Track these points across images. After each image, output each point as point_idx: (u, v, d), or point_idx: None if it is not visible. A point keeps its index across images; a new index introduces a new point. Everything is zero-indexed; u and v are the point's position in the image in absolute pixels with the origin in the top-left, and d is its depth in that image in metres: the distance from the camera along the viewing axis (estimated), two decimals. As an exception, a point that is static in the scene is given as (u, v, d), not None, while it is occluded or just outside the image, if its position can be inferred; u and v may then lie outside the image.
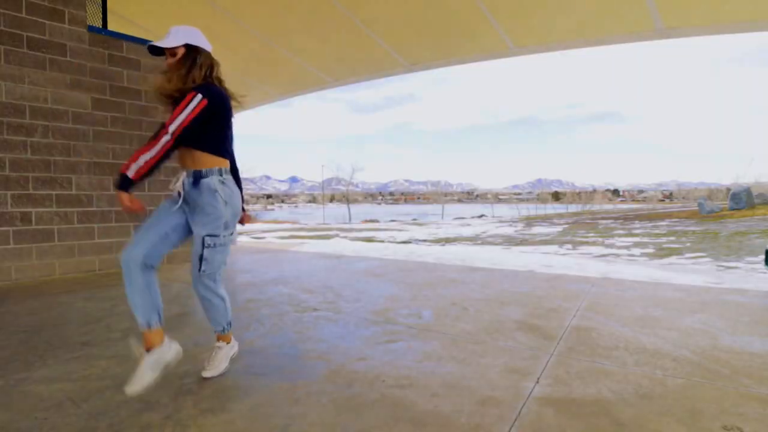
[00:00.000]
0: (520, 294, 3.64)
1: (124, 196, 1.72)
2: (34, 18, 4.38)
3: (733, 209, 24.32)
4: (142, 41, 5.21)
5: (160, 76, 1.89)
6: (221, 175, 1.91)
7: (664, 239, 15.72)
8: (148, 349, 1.77)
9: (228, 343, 2.11)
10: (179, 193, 1.90)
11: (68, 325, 2.84)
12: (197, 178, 1.87)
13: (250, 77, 8.66)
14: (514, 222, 28.58)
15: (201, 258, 1.87)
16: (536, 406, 1.71)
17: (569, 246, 15.16)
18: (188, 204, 1.90)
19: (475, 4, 5.38)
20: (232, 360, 2.21)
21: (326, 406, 1.73)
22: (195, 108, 1.77)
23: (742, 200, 24.55)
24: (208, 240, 1.86)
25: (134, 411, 1.68)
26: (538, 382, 1.94)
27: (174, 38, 1.86)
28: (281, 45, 7.15)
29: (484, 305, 3.28)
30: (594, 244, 15.40)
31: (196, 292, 1.99)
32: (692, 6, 4.78)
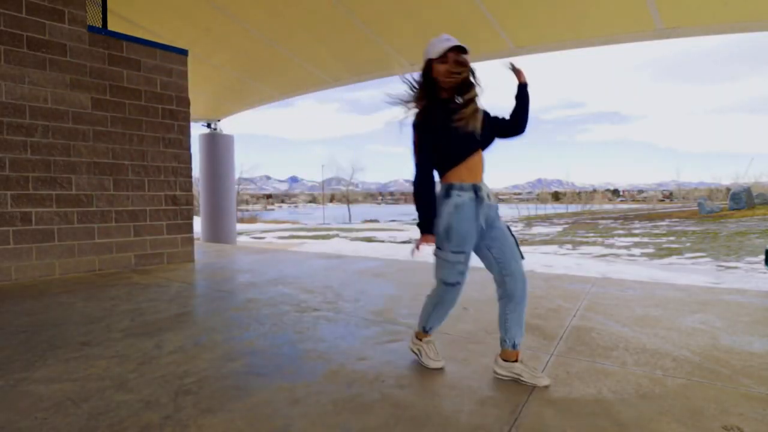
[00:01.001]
0: (520, 294, 3.63)
1: None
2: (34, 18, 4.38)
3: (733, 209, 24.34)
4: (142, 41, 5.21)
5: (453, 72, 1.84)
6: None
7: (664, 239, 15.73)
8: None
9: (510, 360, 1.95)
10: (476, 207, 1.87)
11: (68, 325, 2.84)
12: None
13: (250, 77, 8.66)
14: (514, 222, 28.57)
15: (517, 243, 1.92)
16: (536, 406, 1.71)
17: (569, 246, 15.18)
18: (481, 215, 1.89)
19: (475, 4, 5.38)
20: (234, 359, 2.21)
21: (326, 406, 1.73)
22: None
23: (742, 200, 24.59)
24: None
25: (134, 411, 1.68)
26: (538, 382, 1.94)
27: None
28: (281, 45, 7.15)
29: (484, 305, 3.27)
30: (594, 244, 15.42)
31: (523, 286, 1.89)
32: (692, 6, 4.78)
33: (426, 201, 1.83)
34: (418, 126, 1.86)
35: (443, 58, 1.82)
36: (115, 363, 2.18)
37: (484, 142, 1.93)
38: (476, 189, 1.85)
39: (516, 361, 1.92)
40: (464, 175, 1.85)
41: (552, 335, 2.57)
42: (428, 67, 1.87)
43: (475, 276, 4.48)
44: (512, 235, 1.92)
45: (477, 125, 1.86)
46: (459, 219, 1.82)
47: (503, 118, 1.99)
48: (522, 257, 1.91)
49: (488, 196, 1.88)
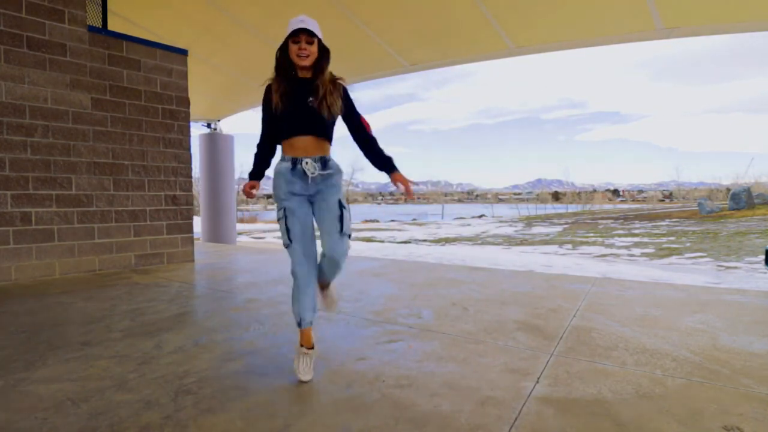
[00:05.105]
0: (520, 294, 3.64)
1: None
2: (34, 18, 4.38)
3: (733, 209, 24.34)
4: (142, 41, 5.21)
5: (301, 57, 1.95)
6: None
7: (664, 239, 15.73)
8: (305, 346, 2.05)
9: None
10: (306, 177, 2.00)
11: (68, 325, 2.84)
12: (325, 161, 2.02)
13: (250, 77, 8.66)
14: (514, 222, 28.57)
15: (341, 218, 1.98)
16: (536, 406, 1.71)
17: (569, 246, 15.18)
18: (312, 185, 2.01)
19: (475, 4, 5.38)
20: (234, 359, 2.21)
21: (326, 406, 1.73)
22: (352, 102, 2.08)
23: (742, 200, 24.60)
24: (342, 201, 2.02)
25: (134, 411, 1.68)
26: (538, 382, 1.94)
27: (315, 28, 1.97)
28: (281, 45, 7.15)
29: (484, 305, 3.28)
30: (594, 244, 15.42)
31: (333, 257, 2.02)
32: (692, 6, 4.78)
33: (256, 159, 2.13)
34: (263, 99, 2.06)
35: (296, 37, 1.94)
36: (115, 363, 2.18)
37: (325, 126, 1.99)
38: (294, 161, 1.99)
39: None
40: (287, 151, 2.02)
41: (552, 335, 2.57)
42: (284, 45, 1.99)
43: (474, 276, 4.50)
44: (341, 211, 1.99)
45: (325, 108, 1.95)
46: (277, 181, 2.04)
47: (356, 125, 2.09)
48: (341, 232, 1.98)
49: (313, 169, 1.97)
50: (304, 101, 1.96)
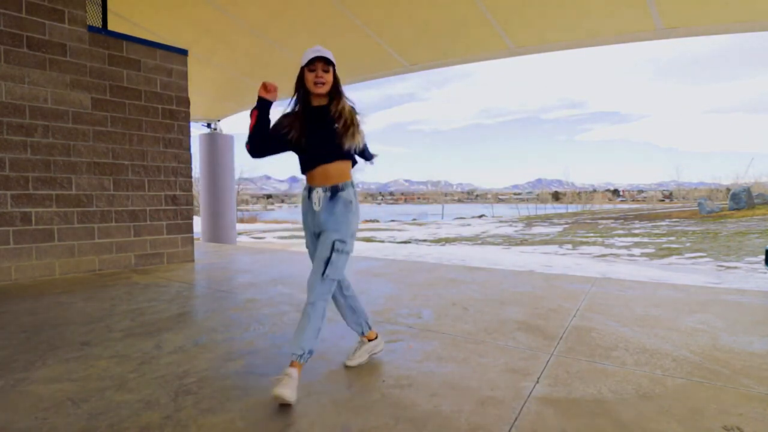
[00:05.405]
0: (520, 294, 3.64)
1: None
2: (34, 18, 4.38)
3: (733, 209, 24.35)
4: (142, 41, 5.21)
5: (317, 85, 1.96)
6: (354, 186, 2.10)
7: (664, 239, 15.74)
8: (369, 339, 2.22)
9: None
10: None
11: (68, 325, 2.84)
12: (336, 191, 2.00)
13: (250, 77, 8.66)
14: (514, 222, 28.58)
15: (328, 261, 1.89)
16: (536, 406, 1.71)
17: (569, 246, 15.18)
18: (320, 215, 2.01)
19: (475, 4, 5.38)
20: (234, 359, 2.21)
21: (326, 406, 1.73)
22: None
23: (742, 200, 24.61)
24: (338, 244, 1.92)
25: (134, 411, 1.68)
26: (538, 382, 1.94)
27: (330, 57, 1.97)
28: (282, 45, 7.15)
29: (484, 305, 3.28)
30: (594, 244, 15.42)
31: (308, 296, 1.90)
32: (692, 6, 4.78)
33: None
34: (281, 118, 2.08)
35: (312, 66, 1.95)
36: (115, 363, 2.18)
37: (343, 153, 1.99)
38: (310, 190, 2.02)
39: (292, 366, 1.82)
40: (307, 179, 2.05)
41: (552, 335, 2.57)
42: (300, 74, 2.01)
43: (474, 276, 4.50)
44: (331, 251, 1.90)
45: (346, 136, 1.95)
46: (301, 209, 2.10)
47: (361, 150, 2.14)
48: (323, 274, 1.87)
49: (318, 201, 1.97)
50: (322, 131, 1.96)
